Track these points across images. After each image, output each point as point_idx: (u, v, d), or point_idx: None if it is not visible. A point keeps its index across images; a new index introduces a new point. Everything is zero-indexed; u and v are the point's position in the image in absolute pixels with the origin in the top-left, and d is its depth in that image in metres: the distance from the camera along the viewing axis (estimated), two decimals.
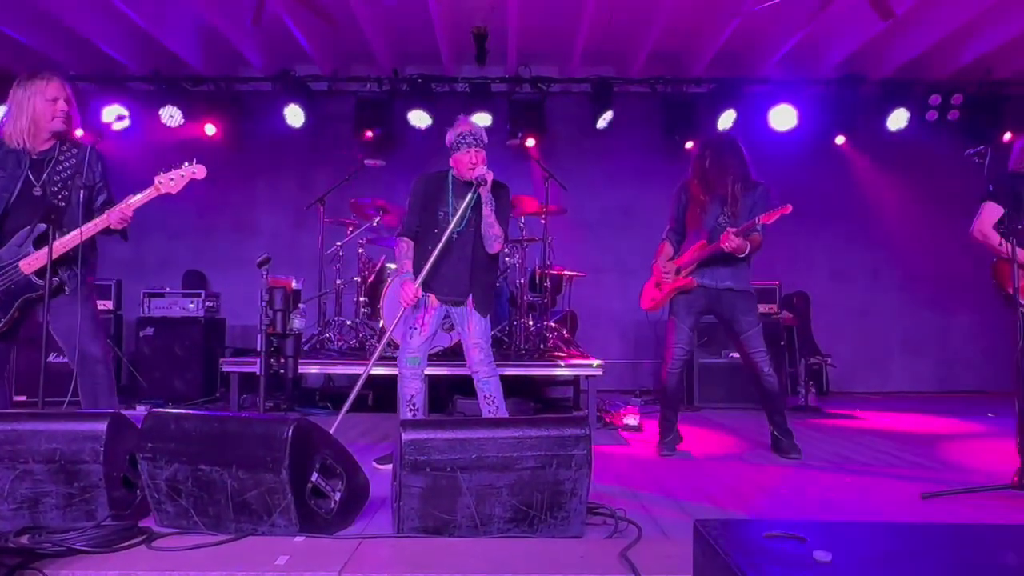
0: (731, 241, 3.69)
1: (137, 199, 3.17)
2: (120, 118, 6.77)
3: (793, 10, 6.01)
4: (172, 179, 3.19)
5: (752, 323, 3.95)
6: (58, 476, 2.44)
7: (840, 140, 7.28)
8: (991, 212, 3.52)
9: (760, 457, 4.05)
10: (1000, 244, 3.39)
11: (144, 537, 2.31)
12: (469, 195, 3.51)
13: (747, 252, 3.81)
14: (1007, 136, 7.02)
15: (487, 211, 3.52)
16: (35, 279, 3.09)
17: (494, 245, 3.59)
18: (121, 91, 7.02)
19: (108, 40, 6.56)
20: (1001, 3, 5.70)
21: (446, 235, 3.47)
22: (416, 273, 3.57)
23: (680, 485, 3.40)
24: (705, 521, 1.76)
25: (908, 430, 5.14)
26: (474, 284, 3.62)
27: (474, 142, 3.57)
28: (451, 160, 3.65)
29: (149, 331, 6.04)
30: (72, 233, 3.09)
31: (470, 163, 3.54)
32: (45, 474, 2.44)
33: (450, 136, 3.64)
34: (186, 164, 3.22)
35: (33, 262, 3.08)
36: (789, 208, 3.62)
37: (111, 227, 3.16)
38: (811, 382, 6.39)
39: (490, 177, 3.48)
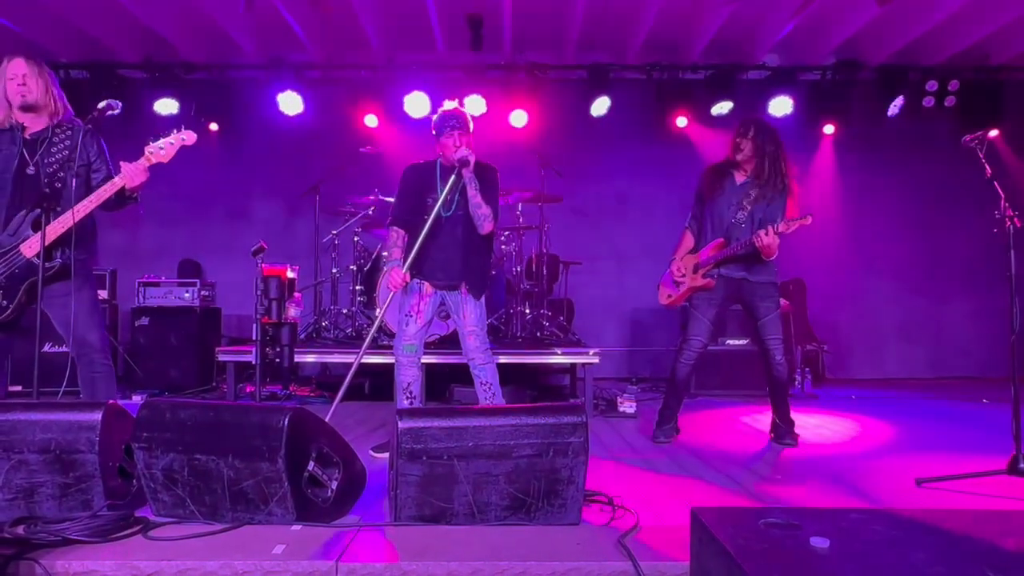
0: (764, 237, 3.62)
1: (133, 166, 3.15)
2: (111, 106, 6.70)
3: None
4: (162, 147, 3.16)
5: (770, 309, 3.92)
6: (53, 466, 2.43)
7: (830, 129, 7.25)
8: None
9: (756, 444, 4.06)
10: None
11: (140, 527, 2.31)
12: (453, 177, 3.49)
13: (773, 256, 3.76)
14: (993, 133, 6.98)
15: (472, 191, 3.49)
16: (37, 261, 3.07)
17: (485, 225, 3.57)
18: (113, 79, 6.95)
19: (99, 27, 6.50)
20: None
21: (431, 218, 3.45)
22: (406, 260, 3.55)
23: (677, 472, 3.41)
24: (702, 508, 1.77)
25: (903, 416, 5.16)
26: (467, 268, 3.61)
27: (457, 124, 3.55)
28: (437, 146, 3.63)
29: (144, 320, 6.02)
30: (78, 206, 3.05)
31: (454, 145, 3.52)
32: (40, 464, 2.43)
33: (435, 121, 3.63)
34: (175, 131, 3.20)
35: (34, 244, 3.05)
36: (809, 219, 3.58)
37: (127, 188, 3.12)
38: (807, 368, 6.41)
39: (472, 158, 3.46)
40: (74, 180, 3.09)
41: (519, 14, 6.42)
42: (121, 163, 3.14)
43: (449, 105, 3.68)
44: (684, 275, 4.04)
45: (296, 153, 7.48)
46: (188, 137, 3.20)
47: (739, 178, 3.95)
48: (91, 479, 2.44)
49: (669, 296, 4.16)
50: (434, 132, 3.63)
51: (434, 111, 3.75)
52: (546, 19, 6.67)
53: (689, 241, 4.11)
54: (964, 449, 3.93)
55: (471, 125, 3.63)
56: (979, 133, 3.25)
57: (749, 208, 3.88)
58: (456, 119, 3.57)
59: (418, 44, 7.08)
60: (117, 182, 3.11)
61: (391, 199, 5.78)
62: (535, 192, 5.85)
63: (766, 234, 3.62)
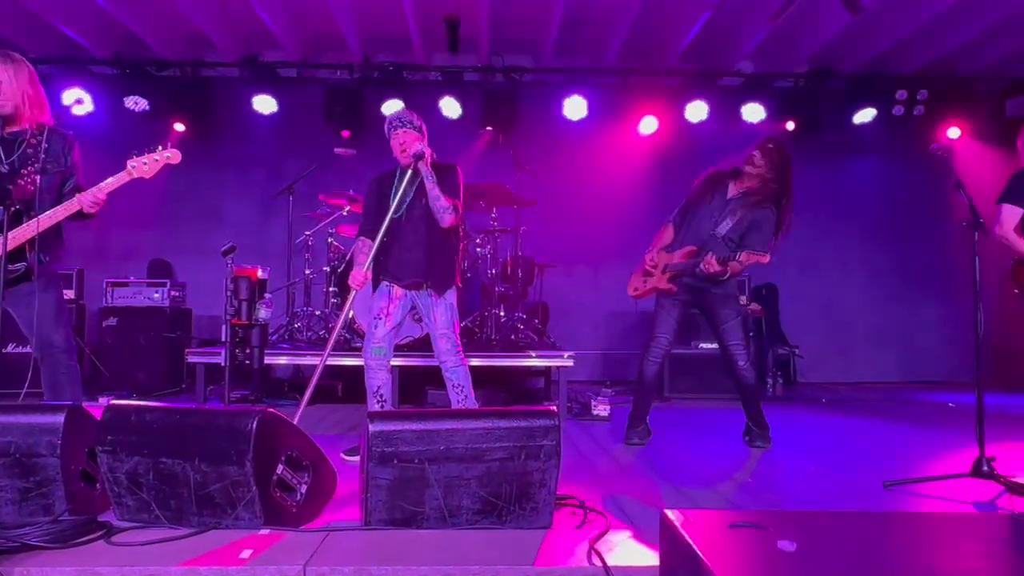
0: (711, 266, 3.67)
1: (109, 183, 3.12)
2: (79, 102, 6.60)
3: (765, 3, 6.06)
4: (145, 163, 3.13)
5: (730, 315, 3.96)
6: (13, 470, 2.37)
7: (790, 125, 7.17)
8: (1011, 214, 3.54)
9: (728, 447, 4.09)
10: None
11: (103, 532, 2.25)
12: (409, 172, 3.48)
13: (726, 278, 3.82)
14: (956, 133, 7.09)
15: (429, 185, 3.47)
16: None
17: (445, 218, 3.53)
18: (83, 75, 6.84)
19: (69, 21, 6.38)
20: (965, 1, 5.79)
21: (388, 215, 3.44)
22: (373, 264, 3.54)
23: (647, 475, 3.42)
24: (672, 511, 1.77)
25: (871, 420, 5.24)
26: (430, 265, 3.58)
27: (400, 124, 3.56)
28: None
29: (112, 321, 5.91)
30: (37, 218, 3.01)
31: (400, 146, 3.53)
32: None
33: (385, 129, 3.63)
34: (160, 148, 3.16)
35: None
36: (767, 258, 3.60)
37: (84, 211, 3.09)
38: (779, 372, 6.49)
39: (427, 151, 3.45)
40: (39, 178, 3.03)
41: (496, 17, 6.43)
42: (77, 196, 3.09)
43: (395, 107, 3.67)
44: (655, 267, 4.06)
45: (270, 152, 7.41)
46: (173, 156, 3.18)
47: (732, 191, 3.93)
48: (52, 483, 2.38)
49: (636, 289, 4.18)
50: (387, 138, 3.62)
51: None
52: (523, 22, 6.68)
53: (668, 235, 4.10)
54: (930, 452, 4.00)
55: (417, 123, 3.61)
56: (945, 143, 3.31)
57: (730, 224, 3.87)
58: (399, 119, 3.58)
59: (395, 45, 7.05)
60: (72, 205, 3.08)
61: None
62: (510, 195, 5.85)
63: (709, 264, 3.67)
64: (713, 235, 3.90)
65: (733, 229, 3.87)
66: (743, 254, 3.59)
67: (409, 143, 3.52)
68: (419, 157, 3.42)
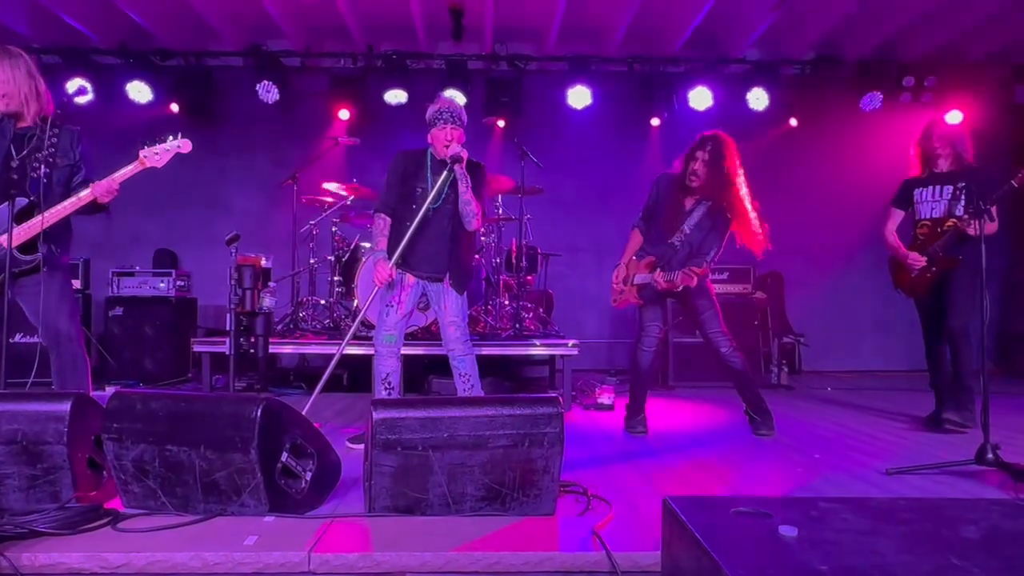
0: (659, 285, 3.83)
1: (122, 173, 3.16)
2: (82, 91, 6.59)
3: None
4: (157, 153, 3.18)
5: (706, 305, 3.98)
6: (20, 457, 2.39)
7: (793, 122, 7.22)
8: (892, 216, 4.61)
9: (731, 435, 4.10)
10: None
11: (110, 519, 2.28)
12: (445, 173, 3.49)
13: (679, 290, 3.87)
14: (958, 117, 6.99)
15: (463, 188, 3.50)
16: (17, 254, 3.06)
17: (473, 222, 3.58)
18: (87, 65, 6.83)
19: (72, 11, 6.37)
20: None
21: (422, 210, 3.46)
22: (391, 251, 3.54)
23: (651, 462, 3.42)
24: (674, 497, 1.78)
25: (877, 408, 5.23)
26: (452, 261, 3.61)
27: (451, 119, 3.54)
28: (429, 136, 3.62)
29: (118, 311, 5.94)
30: (51, 210, 3.05)
31: (445, 140, 3.52)
32: (7, 455, 2.39)
33: (429, 112, 3.62)
34: (171, 138, 3.22)
35: (16, 237, 3.04)
36: (704, 270, 3.77)
37: (98, 200, 3.12)
38: (784, 361, 6.47)
39: (464, 155, 3.46)
40: (49, 171, 3.06)
41: (500, 5, 6.39)
42: (91, 185, 3.12)
43: (446, 98, 3.68)
44: (625, 282, 4.08)
45: (274, 142, 7.41)
46: (184, 145, 3.23)
47: (688, 201, 3.97)
48: (59, 471, 2.40)
49: (614, 300, 4.22)
50: (428, 121, 3.61)
51: (412, 102, 3.72)
52: (527, 10, 6.64)
53: (636, 242, 4.16)
54: (934, 439, 3.99)
55: (464, 119, 3.62)
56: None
57: (688, 232, 3.94)
58: (451, 112, 3.56)
59: (398, 34, 7.02)
60: (86, 197, 3.11)
61: (369, 188, 5.76)
62: (515, 183, 5.83)
63: (657, 284, 3.83)
64: (671, 244, 3.97)
65: (693, 235, 3.94)
66: (679, 273, 3.73)
67: (455, 140, 3.52)
68: (457, 160, 3.44)
